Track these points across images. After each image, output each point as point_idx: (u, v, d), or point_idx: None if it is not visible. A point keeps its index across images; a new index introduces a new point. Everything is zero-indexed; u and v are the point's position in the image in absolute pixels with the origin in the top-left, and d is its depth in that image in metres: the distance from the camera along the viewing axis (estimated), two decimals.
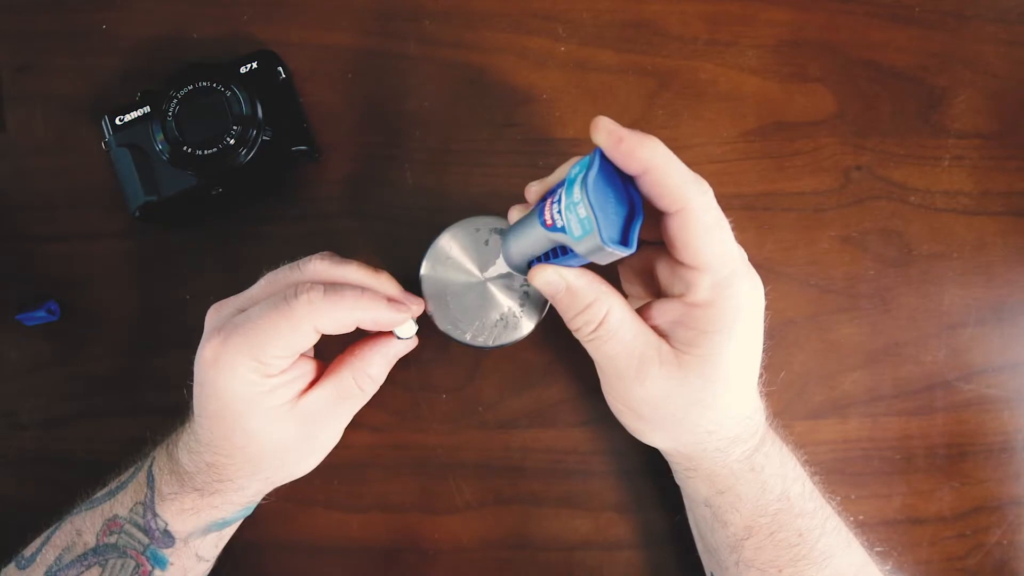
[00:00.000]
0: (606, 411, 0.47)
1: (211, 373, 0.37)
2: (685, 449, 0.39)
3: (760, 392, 0.39)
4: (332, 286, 0.37)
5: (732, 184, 0.48)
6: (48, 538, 0.40)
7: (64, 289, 0.48)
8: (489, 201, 0.48)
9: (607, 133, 0.32)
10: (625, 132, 0.32)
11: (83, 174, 0.48)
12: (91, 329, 0.48)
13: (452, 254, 0.42)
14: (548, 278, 0.35)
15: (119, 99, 0.46)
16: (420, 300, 0.41)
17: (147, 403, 0.47)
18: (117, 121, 0.45)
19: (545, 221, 0.33)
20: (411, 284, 0.42)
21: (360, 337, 0.42)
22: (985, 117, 0.49)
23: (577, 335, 0.37)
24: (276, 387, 0.38)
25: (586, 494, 0.47)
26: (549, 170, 0.48)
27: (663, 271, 0.37)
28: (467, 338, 0.41)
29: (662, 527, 0.47)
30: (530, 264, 0.36)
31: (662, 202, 0.33)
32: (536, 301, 0.42)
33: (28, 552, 0.40)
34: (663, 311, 0.36)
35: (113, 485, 0.42)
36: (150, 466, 0.41)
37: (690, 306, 0.35)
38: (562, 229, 0.32)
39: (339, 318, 0.37)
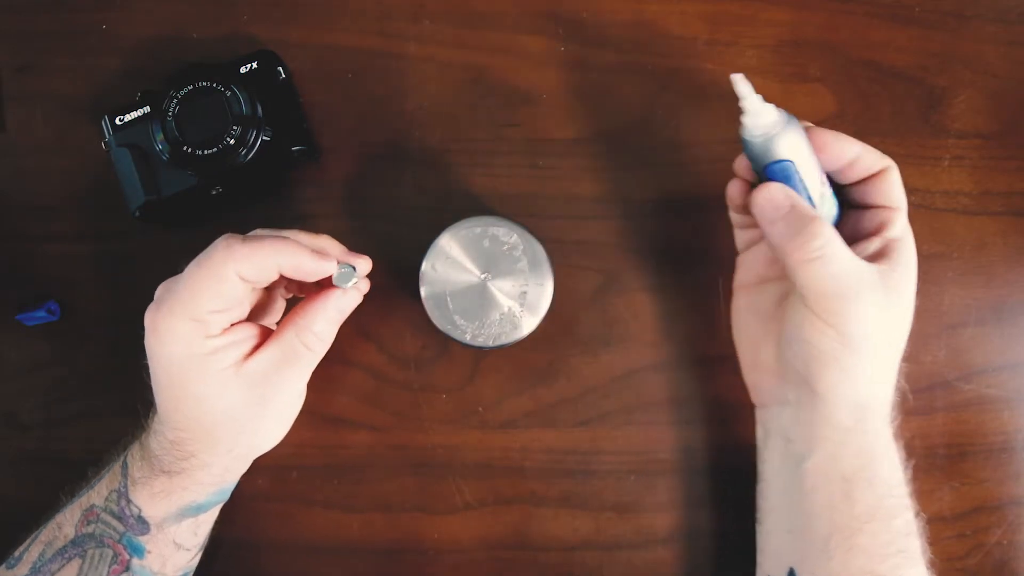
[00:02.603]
0: (606, 411, 0.47)
1: (154, 341, 0.37)
2: (863, 395, 0.39)
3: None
4: (252, 233, 0.38)
5: None
6: (35, 537, 0.41)
7: (64, 289, 0.48)
8: (489, 201, 0.48)
9: (820, 145, 0.39)
10: (828, 137, 0.39)
11: (83, 174, 0.48)
12: (91, 329, 0.48)
13: (452, 254, 0.42)
14: (775, 195, 0.38)
15: (119, 99, 0.46)
16: (366, 257, 0.41)
17: (147, 403, 0.47)
18: (117, 121, 0.45)
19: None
20: (411, 284, 0.42)
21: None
22: (985, 117, 0.49)
23: (797, 255, 0.37)
24: (218, 349, 0.38)
25: (586, 494, 0.47)
26: (549, 170, 0.48)
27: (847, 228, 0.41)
28: (467, 338, 0.41)
29: (662, 527, 0.47)
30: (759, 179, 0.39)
31: (859, 169, 0.40)
32: (536, 301, 0.42)
33: (17, 552, 0.41)
34: (863, 247, 0.39)
35: (93, 478, 0.42)
36: (125, 455, 0.41)
37: (889, 240, 0.39)
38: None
39: (258, 263, 0.37)
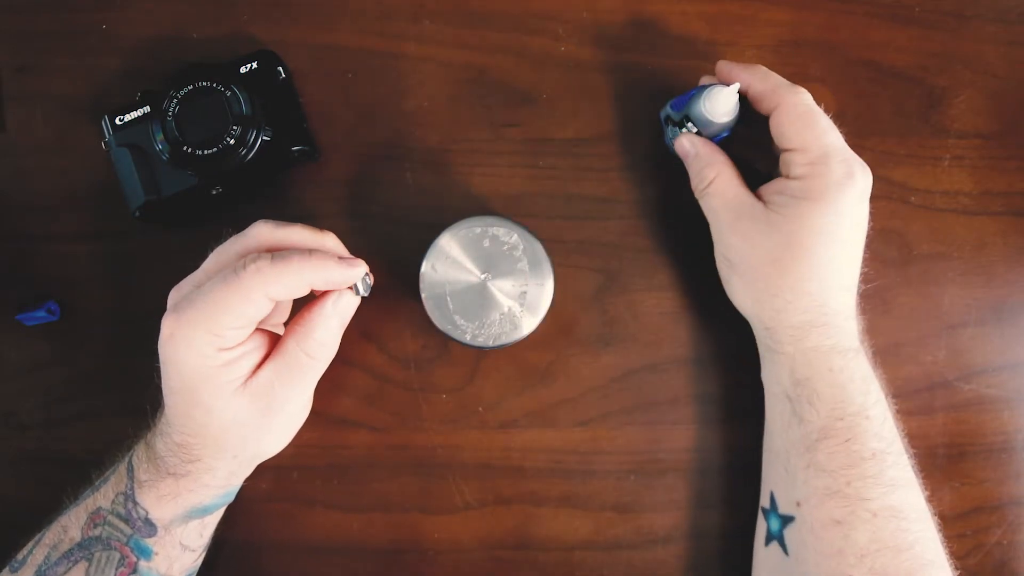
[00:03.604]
0: (606, 411, 0.47)
1: (170, 348, 0.37)
2: (765, 315, 0.42)
3: (857, 307, 0.42)
4: (279, 253, 0.38)
5: None
6: (39, 540, 0.41)
7: (64, 289, 0.48)
8: (489, 201, 0.48)
9: (720, 71, 0.43)
10: (731, 67, 0.43)
11: (83, 174, 0.48)
12: (91, 329, 0.48)
13: (452, 254, 0.42)
14: (683, 143, 0.44)
15: (119, 99, 0.46)
16: (361, 261, 0.40)
17: (154, 403, 0.47)
18: (117, 121, 0.45)
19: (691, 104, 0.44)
20: (411, 284, 0.42)
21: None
22: (985, 117, 0.49)
23: (696, 188, 0.44)
24: (230, 362, 0.38)
25: (586, 494, 0.47)
26: (549, 170, 0.48)
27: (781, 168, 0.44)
28: (467, 338, 0.41)
29: (662, 527, 0.47)
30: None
31: (762, 106, 0.42)
32: (536, 301, 0.42)
33: (20, 555, 0.41)
34: (769, 187, 0.42)
35: (97, 481, 0.42)
36: (130, 457, 0.41)
37: (787, 179, 0.41)
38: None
39: (289, 283, 0.37)
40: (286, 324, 0.44)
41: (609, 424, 0.47)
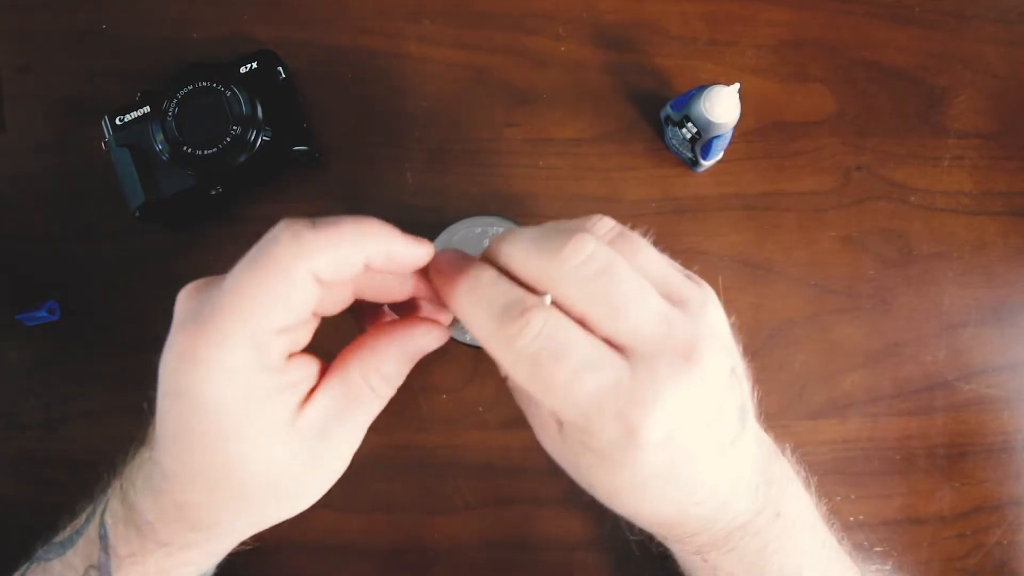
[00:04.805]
0: None
1: (187, 376, 0.26)
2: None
3: (764, 479, 0.33)
4: (322, 218, 0.28)
5: (732, 184, 0.48)
6: None
7: (64, 289, 0.48)
8: (489, 201, 0.48)
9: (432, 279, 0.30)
10: (443, 291, 0.29)
11: (83, 174, 0.48)
12: (91, 329, 0.48)
13: None
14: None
15: (119, 99, 0.46)
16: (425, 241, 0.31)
17: (147, 403, 0.47)
18: (117, 121, 0.45)
19: None
20: None
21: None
22: (985, 117, 0.49)
23: None
24: (276, 391, 0.27)
25: (586, 494, 0.47)
26: (549, 170, 0.48)
27: None
28: (467, 338, 0.41)
29: None
30: None
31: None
32: None
33: None
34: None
35: (68, 531, 0.34)
36: (102, 515, 0.32)
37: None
38: None
39: (339, 254, 0.27)
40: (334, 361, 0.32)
41: None
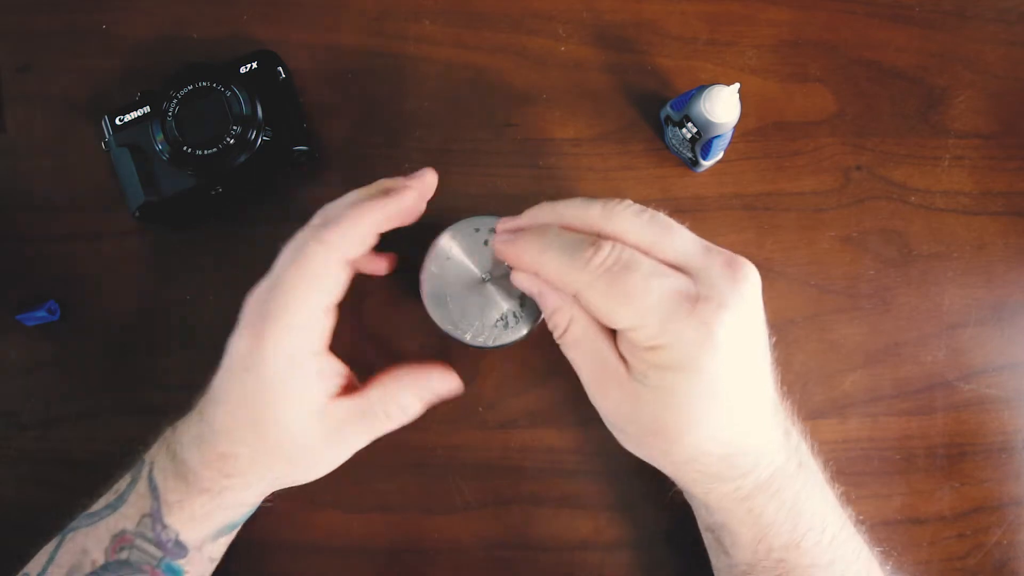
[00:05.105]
0: None
1: (256, 353, 0.35)
2: (666, 471, 0.37)
3: (784, 428, 0.37)
4: (330, 213, 0.37)
5: (732, 184, 0.48)
6: (52, 557, 0.38)
7: (64, 289, 0.48)
8: (489, 201, 0.48)
9: (501, 251, 0.37)
10: (513, 252, 0.36)
11: (83, 174, 0.48)
12: (91, 329, 0.48)
13: (452, 254, 0.42)
14: (522, 281, 0.37)
15: (119, 99, 0.46)
16: (427, 171, 0.40)
17: (147, 403, 0.47)
18: (117, 121, 0.45)
19: None
20: (411, 284, 0.42)
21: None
22: (985, 117, 0.49)
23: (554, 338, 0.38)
24: (319, 374, 0.36)
25: (586, 494, 0.47)
26: (549, 170, 0.48)
27: None
28: (467, 338, 0.41)
29: (662, 527, 0.47)
30: None
31: (568, 292, 0.35)
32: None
33: (33, 571, 0.38)
34: (623, 343, 0.35)
35: (112, 497, 0.39)
36: (150, 472, 0.39)
37: (635, 347, 0.34)
38: None
39: (356, 237, 0.36)
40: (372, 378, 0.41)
41: None
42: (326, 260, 0.35)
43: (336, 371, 0.38)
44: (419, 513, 0.47)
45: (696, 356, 0.32)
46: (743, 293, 0.32)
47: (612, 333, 0.35)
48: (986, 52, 0.49)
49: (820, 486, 0.38)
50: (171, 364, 0.47)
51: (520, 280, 0.37)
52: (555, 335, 0.37)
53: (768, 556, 0.36)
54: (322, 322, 0.36)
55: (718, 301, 0.31)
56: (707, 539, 0.41)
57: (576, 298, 0.33)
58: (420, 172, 0.40)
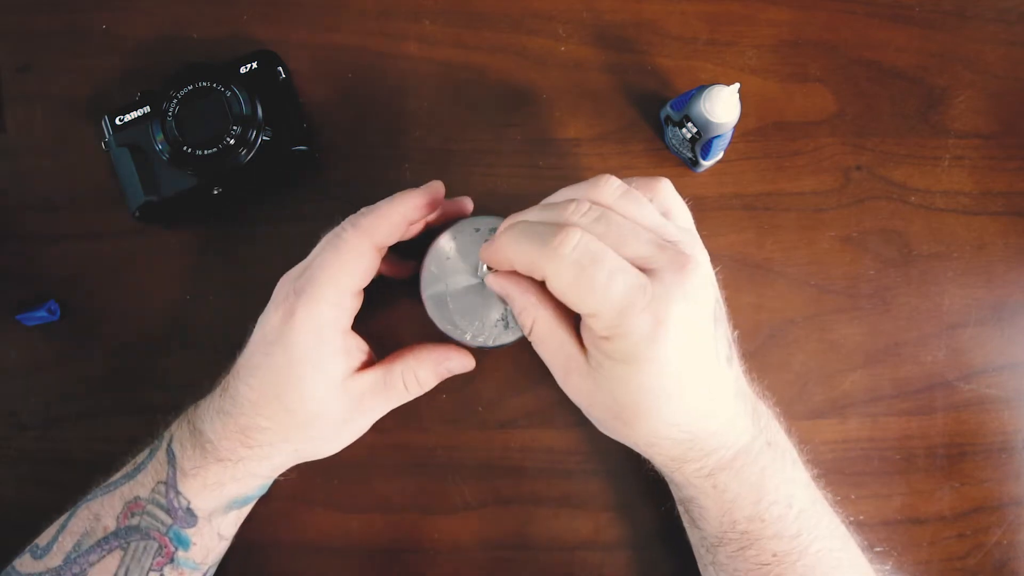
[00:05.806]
0: None
1: (286, 328, 0.37)
2: (636, 449, 0.39)
3: (752, 410, 0.38)
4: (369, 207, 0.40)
5: (732, 184, 0.48)
6: (63, 525, 0.40)
7: (64, 289, 0.48)
8: (489, 201, 0.48)
9: (481, 254, 0.39)
10: (489, 252, 0.37)
11: (83, 174, 0.48)
12: (91, 329, 0.48)
13: (452, 254, 0.42)
14: (492, 282, 0.39)
15: (119, 99, 0.46)
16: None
17: (147, 403, 0.47)
18: (117, 121, 0.45)
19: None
20: (411, 285, 0.42)
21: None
22: (985, 117, 0.49)
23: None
24: (344, 351, 0.39)
25: (586, 494, 0.47)
26: (549, 170, 0.48)
27: None
28: (467, 338, 0.41)
29: (662, 527, 0.47)
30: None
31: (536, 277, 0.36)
32: None
33: (43, 541, 0.40)
34: (584, 333, 0.37)
35: (129, 468, 0.41)
36: (169, 443, 0.40)
37: (594, 334, 0.35)
38: None
39: (390, 227, 0.38)
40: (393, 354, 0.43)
41: None
42: (359, 244, 0.38)
43: (360, 348, 0.41)
44: (419, 513, 0.47)
45: (644, 349, 0.33)
46: (689, 288, 0.34)
47: (575, 322, 0.37)
48: (986, 52, 0.49)
49: (790, 464, 0.39)
50: (171, 364, 0.47)
51: (490, 281, 0.38)
52: (524, 332, 0.39)
53: (733, 528, 0.38)
54: (351, 302, 0.39)
55: (667, 297, 0.33)
56: (681, 513, 0.43)
57: (546, 283, 0.35)
58: (428, 183, 0.41)
